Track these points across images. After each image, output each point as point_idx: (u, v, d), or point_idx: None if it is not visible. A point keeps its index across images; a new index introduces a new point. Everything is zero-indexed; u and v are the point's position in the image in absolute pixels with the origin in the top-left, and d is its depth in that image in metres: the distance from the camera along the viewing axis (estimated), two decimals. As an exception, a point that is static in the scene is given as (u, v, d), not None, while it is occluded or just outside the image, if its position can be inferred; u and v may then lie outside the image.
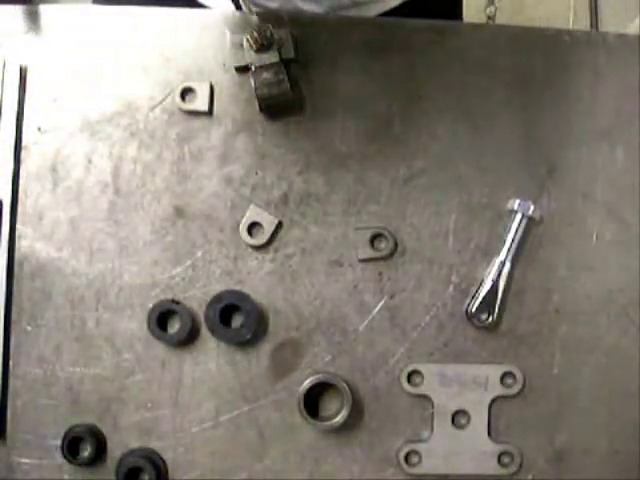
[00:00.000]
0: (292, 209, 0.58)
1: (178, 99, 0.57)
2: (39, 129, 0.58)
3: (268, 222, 0.57)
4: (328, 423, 0.56)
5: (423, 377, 0.58)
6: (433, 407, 0.58)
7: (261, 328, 0.57)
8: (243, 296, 0.57)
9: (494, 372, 0.58)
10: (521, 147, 0.59)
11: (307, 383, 0.56)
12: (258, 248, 0.58)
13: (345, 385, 0.56)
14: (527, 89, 0.59)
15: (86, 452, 0.56)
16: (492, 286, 0.58)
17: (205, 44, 0.58)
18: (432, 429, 0.58)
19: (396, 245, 0.58)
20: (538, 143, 0.59)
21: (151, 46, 0.58)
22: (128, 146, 0.58)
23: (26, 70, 0.58)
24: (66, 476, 0.57)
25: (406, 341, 0.58)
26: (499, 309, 0.58)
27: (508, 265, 0.58)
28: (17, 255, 0.57)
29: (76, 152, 0.58)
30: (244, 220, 0.57)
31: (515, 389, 0.58)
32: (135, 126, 0.58)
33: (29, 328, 0.57)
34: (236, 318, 0.57)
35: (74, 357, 0.57)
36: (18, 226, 0.57)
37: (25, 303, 0.57)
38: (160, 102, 0.58)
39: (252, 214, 0.57)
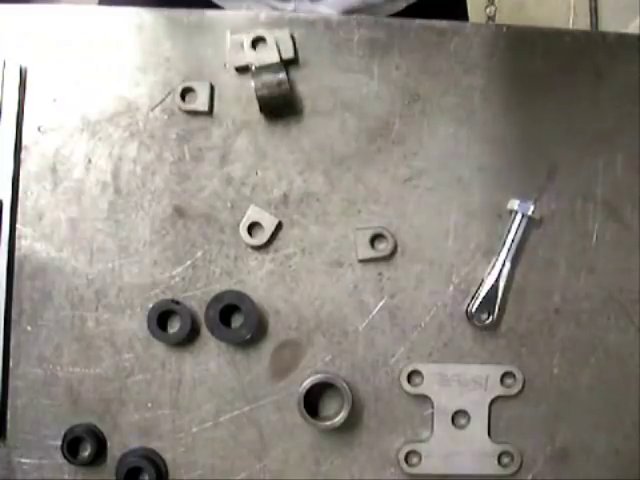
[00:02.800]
0: (292, 209, 0.58)
1: (178, 99, 0.57)
2: (39, 129, 0.58)
3: (268, 222, 0.57)
4: (328, 423, 0.56)
5: (423, 377, 0.58)
6: (433, 407, 0.58)
7: (261, 328, 0.57)
8: (243, 296, 0.57)
9: (494, 372, 0.58)
10: (521, 147, 0.59)
11: (307, 383, 0.56)
12: (258, 248, 0.58)
13: (345, 385, 0.56)
14: (527, 89, 0.59)
15: (86, 452, 0.56)
16: (492, 286, 0.58)
17: (205, 44, 0.58)
18: (432, 429, 0.58)
19: (396, 245, 0.58)
20: (538, 143, 0.59)
21: (151, 46, 0.58)
22: (128, 146, 0.58)
23: (26, 70, 0.58)
24: (66, 476, 0.57)
25: (406, 341, 0.58)
26: (499, 309, 0.58)
27: (508, 265, 0.58)
28: (17, 255, 0.57)
29: (76, 152, 0.57)
30: (244, 220, 0.57)
31: (515, 389, 0.58)
32: (135, 126, 0.58)
33: (29, 328, 0.57)
34: (236, 318, 0.57)
35: (74, 357, 0.57)
36: (18, 226, 0.57)
37: (25, 303, 0.57)
38: (160, 102, 0.58)
39: (252, 214, 0.57)
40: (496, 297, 0.58)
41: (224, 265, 0.58)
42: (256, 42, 0.57)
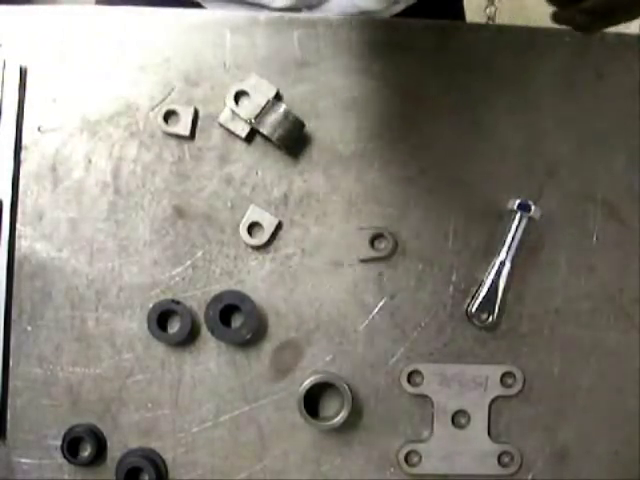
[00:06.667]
0: (292, 209, 0.58)
1: (160, 120, 0.57)
2: (39, 129, 0.58)
3: (268, 222, 0.57)
4: (328, 423, 0.56)
5: (423, 377, 0.58)
6: (433, 407, 0.58)
7: (261, 328, 0.57)
8: (243, 296, 0.57)
9: (494, 372, 0.58)
10: (522, 147, 0.59)
11: (307, 383, 0.56)
12: (258, 248, 0.58)
13: (345, 385, 0.56)
14: (527, 89, 0.59)
15: (86, 452, 0.56)
16: (492, 286, 0.58)
17: (205, 44, 0.58)
18: (432, 429, 0.58)
19: (396, 245, 0.58)
20: (539, 143, 0.59)
21: (151, 46, 0.58)
22: (128, 146, 0.58)
23: (26, 70, 0.58)
24: (66, 476, 0.57)
25: (406, 341, 0.58)
26: (499, 309, 0.57)
27: (508, 265, 0.58)
28: (17, 255, 0.57)
29: (76, 152, 0.57)
30: (244, 220, 0.57)
31: (515, 389, 0.58)
32: (135, 126, 0.58)
33: (29, 328, 0.57)
34: (236, 318, 0.57)
35: (74, 357, 0.57)
36: (18, 226, 0.57)
37: (25, 303, 0.57)
38: (160, 102, 0.58)
39: (252, 214, 0.57)
40: (496, 297, 0.58)
41: (224, 265, 0.58)
42: (238, 96, 0.56)
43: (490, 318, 0.57)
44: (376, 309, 0.58)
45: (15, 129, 0.57)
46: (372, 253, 0.58)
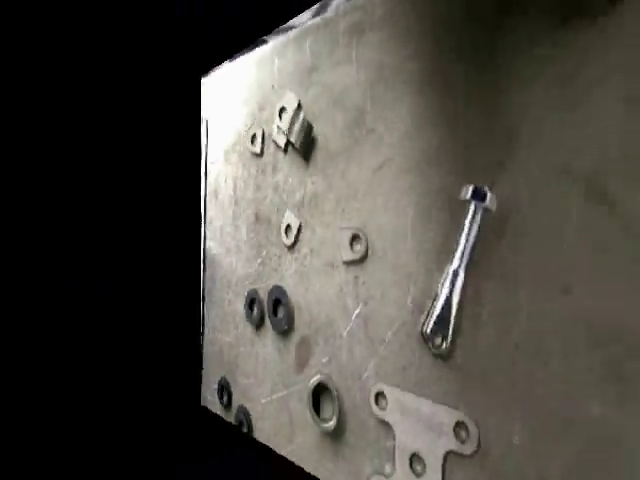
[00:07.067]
0: (306, 211, 0.60)
1: (249, 144, 0.69)
2: (211, 163, 0.81)
3: (294, 224, 0.62)
4: (325, 425, 0.56)
5: (387, 401, 0.49)
6: (395, 439, 0.49)
7: (292, 321, 0.62)
8: (283, 291, 0.63)
9: (448, 418, 0.44)
10: (479, 115, 0.41)
11: (313, 381, 0.58)
12: (289, 248, 0.63)
13: (335, 391, 0.55)
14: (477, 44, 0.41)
15: (224, 398, 0.76)
16: (446, 302, 0.44)
17: (265, 72, 0.67)
18: (394, 466, 0.49)
19: (368, 246, 0.52)
20: (496, 108, 0.40)
21: (248, 84, 0.72)
22: (239, 167, 0.73)
23: (208, 122, 0.82)
24: (219, 412, 0.78)
25: (374, 356, 0.51)
26: (453, 333, 0.43)
27: (462, 275, 0.42)
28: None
29: (221, 175, 0.78)
30: (283, 223, 0.64)
31: (469, 447, 0.42)
32: (241, 150, 0.73)
33: (207, 304, 0.81)
34: (280, 310, 0.65)
35: (225, 327, 0.77)
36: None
37: (206, 285, 0.81)
38: (248, 128, 0.71)
39: (287, 217, 0.63)
40: (450, 316, 0.43)
41: (274, 263, 0.66)
42: (280, 112, 0.63)
43: (444, 343, 0.44)
44: (354, 315, 0.53)
45: (204, 165, 0.82)
46: (351, 255, 0.54)
